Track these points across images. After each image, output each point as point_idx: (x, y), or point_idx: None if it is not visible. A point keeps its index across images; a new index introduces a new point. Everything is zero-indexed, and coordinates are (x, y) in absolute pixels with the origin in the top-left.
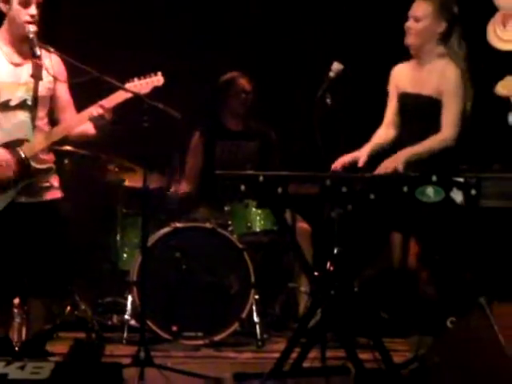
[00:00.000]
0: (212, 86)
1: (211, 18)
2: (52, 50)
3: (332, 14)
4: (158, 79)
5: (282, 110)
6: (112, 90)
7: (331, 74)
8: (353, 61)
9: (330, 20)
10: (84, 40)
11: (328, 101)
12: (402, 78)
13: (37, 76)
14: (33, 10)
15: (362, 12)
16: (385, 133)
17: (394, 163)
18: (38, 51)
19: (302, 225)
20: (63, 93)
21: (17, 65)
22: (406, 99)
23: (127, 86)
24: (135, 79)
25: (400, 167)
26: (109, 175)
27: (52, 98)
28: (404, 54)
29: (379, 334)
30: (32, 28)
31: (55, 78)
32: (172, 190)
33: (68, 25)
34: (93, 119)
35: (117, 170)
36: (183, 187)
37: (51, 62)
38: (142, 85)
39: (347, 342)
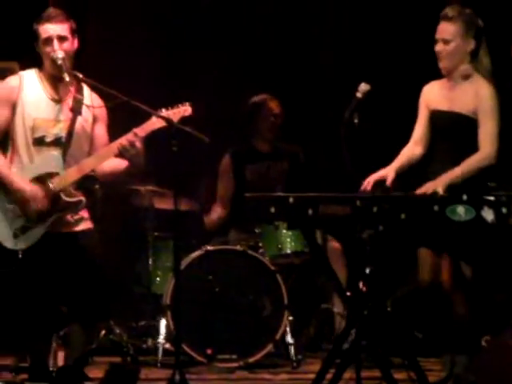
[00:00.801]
0: (241, 109)
1: (238, 41)
2: (81, 76)
3: (360, 33)
4: (185, 109)
5: (310, 130)
6: (138, 118)
7: (358, 94)
8: (380, 81)
9: (358, 40)
10: (110, 69)
11: (355, 121)
12: (434, 96)
13: (76, 111)
14: (55, 45)
15: (389, 31)
16: (412, 150)
17: (434, 186)
18: (67, 77)
19: (334, 244)
20: (101, 134)
21: (57, 101)
22: (438, 116)
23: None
24: (163, 109)
25: (440, 190)
26: (139, 199)
27: (90, 138)
28: (432, 73)
29: (414, 353)
30: (60, 54)
31: (94, 119)
32: (207, 217)
33: (93, 52)
34: (122, 149)
35: (147, 193)
36: (218, 212)
37: (91, 98)
38: (170, 115)
39: (382, 362)
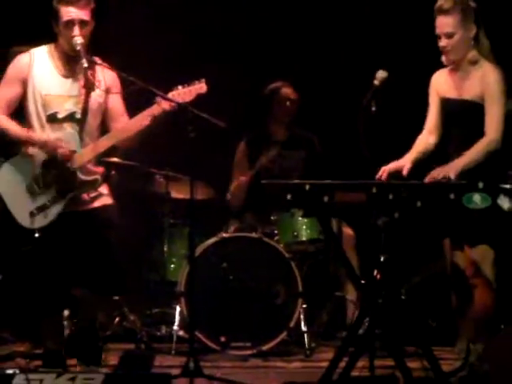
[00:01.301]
0: (257, 95)
1: (255, 28)
2: (99, 61)
3: (376, 21)
4: (201, 86)
5: (326, 118)
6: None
7: (376, 81)
8: (398, 68)
9: (374, 27)
10: (128, 50)
11: (373, 108)
12: (442, 83)
13: (88, 88)
14: (76, 30)
15: (406, 19)
16: (426, 139)
17: (445, 172)
18: (85, 63)
19: (348, 232)
20: (116, 103)
21: (67, 77)
22: (447, 104)
23: (171, 93)
24: (179, 87)
25: (452, 175)
26: (155, 186)
27: (104, 110)
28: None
29: (427, 342)
30: (79, 40)
31: (107, 91)
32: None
33: (112, 36)
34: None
35: (163, 180)
36: (240, 180)
37: (104, 74)
38: (186, 92)
39: (395, 350)
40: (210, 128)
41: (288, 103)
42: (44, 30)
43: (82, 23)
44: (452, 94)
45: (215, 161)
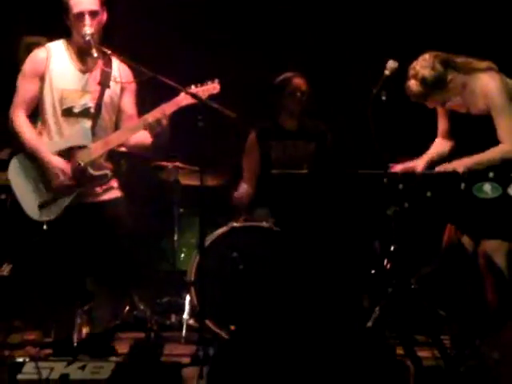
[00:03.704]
0: (268, 86)
1: (266, 20)
2: (109, 51)
3: (387, 10)
4: (214, 86)
5: (337, 108)
6: (166, 94)
7: (386, 71)
8: (408, 58)
9: (386, 16)
10: (139, 43)
11: (383, 98)
12: None
13: (104, 83)
14: (87, 20)
15: (418, 9)
16: (442, 143)
17: (453, 166)
18: (95, 53)
19: None
20: (129, 104)
21: (84, 72)
22: (456, 119)
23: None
24: (192, 86)
25: (460, 171)
26: (165, 175)
27: (118, 108)
28: (460, 49)
29: (438, 331)
30: (88, 30)
31: (122, 89)
32: (235, 193)
33: (123, 28)
34: (148, 126)
35: (173, 169)
36: (244, 189)
37: (119, 70)
38: (199, 92)
39: (406, 339)
40: (221, 118)
41: (299, 94)
42: (56, 21)
43: (92, 14)
44: (457, 110)
45: (226, 151)
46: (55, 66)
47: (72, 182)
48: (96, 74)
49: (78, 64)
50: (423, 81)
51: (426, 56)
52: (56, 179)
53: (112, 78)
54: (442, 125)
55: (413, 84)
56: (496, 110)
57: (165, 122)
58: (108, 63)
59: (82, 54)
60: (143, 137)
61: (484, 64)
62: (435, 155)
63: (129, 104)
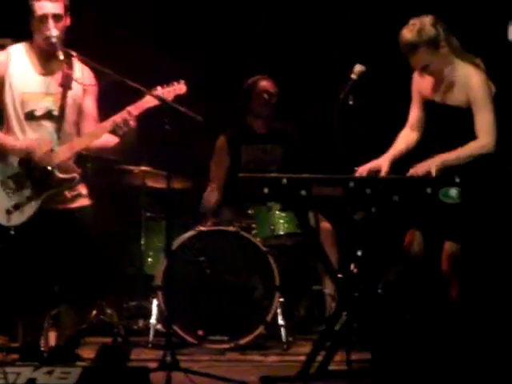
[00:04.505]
0: (237, 89)
1: (236, 22)
2: (74, 54)
3: (354, 14)
4: (180, 87)
5: (304, 112)
6: (132, 96)
7: (353, 75)
8: (375, 62)
9: (353, 21)
10: (106, 45)
11: (350, 102)
12: (425, 84)
13: (66, 86)
14: (50, 24)
15: (385, 13)
16: (408, 135)
17: (427, 167)
18: (61, 55)
19: (326, 225)
20: (90, 106)
21: (44, 75)
22: (432, 108)
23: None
24: (158, 87)
25: (433, 171)
26: (131, 179)
27: (79, 110)
28: None
29: (403, 336)
30: (54, 32)
31: (84, 90)
32: (202, 199)
33: (89, 31)
34: (116, 127)
35: (139, 173)
36: (212, 195)
37: (82, 72)
38: (165, 93)
39: (372, 344)
40: (188, 122)
41: (265, 96)
42: (21, 24)
43: (56, 17)
44: (435, 96)
45: (192, 155)
46: (15, 69)
47: (38, 184)
48: (58, 77)
49: (39, 67)
50: (420, 31)
51: (431, 16)
52: (35, 154)
53: (74, 80)
54: (414, 114)
55: (408, 31)
56: (476, 102)
57: (132, 122)
58: (70, 65)
59: (43, 57)
60: (109, 139)
61: (475, 59)
62: (403, 148)
63: (90, 106)
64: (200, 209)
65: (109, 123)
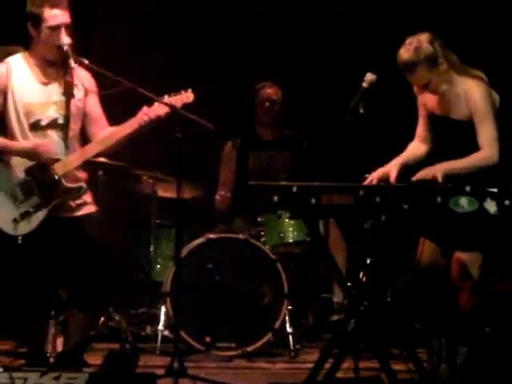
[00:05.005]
0: (244, 97)
1: (243, 30)
2: (86, 62)
3: (366, 23)
4: (187, 96)
5: (314, 119)
6: (142, 104)
7: (364, 84)
8: (387, 70)
9: (365, 29)
10: (114, 55)
11: (361, 111)
12: (428, 98)
13: (68, 93)
14: (63, 34)
15: (395, 21)
16: (417, 147)
17: (433, 171)
18: (72, 63)
19: (336, 233)
20: (94, 107)
21: (46, 84)
22: (436, 122)
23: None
24: (165, 96)
25: (439, 176)
26: (142, 186)
27: (83, 114)
28: None
29: (412, 344)
30: (66, 40)
31: (87, 91)
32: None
33: (99, 39)
34: (143, 124)
35: (150, 180)
36: (224, 193)
37: (79, 77)
38: (172, 102)
39: (380, 352)
40: (199, 129)
41: (267, 104)
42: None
43: (67, 26)
44: (438, 110)
45: (203, 162)
46: (16, 80)
47: (47, 194)
48: (58, 85)
49: (40, 76)
50: (417, 49)
51: (428, 34)
52: (42, 157)
53: (75, 86)
54: (421, 128)
55: (405, 50)
56: (478, 115)
57: (142, 130)
58: (69, 73)
59: (43, 66)
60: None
61: (475, 72)
62: (411, 158)
63: (94, 106)
64: (215, 204)
65: (119, 131)
